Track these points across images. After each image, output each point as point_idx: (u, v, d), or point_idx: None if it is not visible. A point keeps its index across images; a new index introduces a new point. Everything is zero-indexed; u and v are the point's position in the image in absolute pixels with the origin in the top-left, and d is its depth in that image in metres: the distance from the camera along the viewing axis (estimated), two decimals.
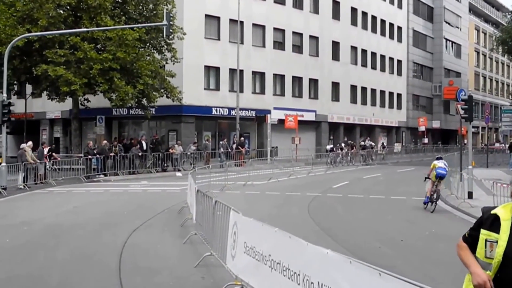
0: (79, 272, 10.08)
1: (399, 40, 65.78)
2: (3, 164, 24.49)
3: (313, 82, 51.81)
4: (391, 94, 63.99)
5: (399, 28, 65.81)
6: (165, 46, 35.64)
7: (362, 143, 50.74)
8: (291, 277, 6.34)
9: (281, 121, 44.83)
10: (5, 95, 26.55)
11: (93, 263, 10.75)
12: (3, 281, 9.28)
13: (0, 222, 15.63)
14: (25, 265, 10.55)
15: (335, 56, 54.47)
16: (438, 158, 19.29)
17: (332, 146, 46.30)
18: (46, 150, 29.47)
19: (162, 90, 35.75)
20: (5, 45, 28.89)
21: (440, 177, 18.40)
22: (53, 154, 30.67)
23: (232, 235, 8.58)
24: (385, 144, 51.91)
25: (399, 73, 65.78)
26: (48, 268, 10.34)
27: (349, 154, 44.29)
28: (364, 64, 58.94)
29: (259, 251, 7.42)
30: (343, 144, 45.67)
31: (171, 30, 31.09)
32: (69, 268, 10.39)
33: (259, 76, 46.76)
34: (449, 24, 75.23)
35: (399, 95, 65.61)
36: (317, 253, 5.88)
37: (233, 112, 41.67)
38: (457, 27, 77.82)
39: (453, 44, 76.97)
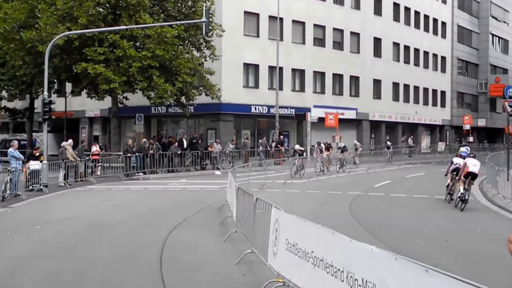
0: (120, 268, 10.11)
1: (443, 36, 64.24)
2: (44, 161, 24.64)
3: (354, 80, 51.00)
4: (434, 91, 62.55)
5: (443, 24, 64.26)
6: (204, 44, 35.47)
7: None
8: (335, 274, 6.30)
9: (321, 119, 44.23)
10: (46, 93, 26.72)
11: (135, 259, 10.76)
12: (47, 276, 9.38)
13: (42, 219, 15.79)
14: (68, 260, 10.66)
15: (377, 52, 53.50)
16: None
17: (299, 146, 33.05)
18: (96, 148, 29.85)
19: (201, 88, 35.59)
20: (46, 44, 29.09)
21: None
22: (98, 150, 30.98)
23: (273, 232, 8.56)
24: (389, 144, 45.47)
25: (443, 70, 64.24)
26: (90, 264, 10.39)
27: (318, 158, 33.02)
28: (406, 61, 57.75)
29: (301, 248, 7.36)
30: (322, 145, 34.51)
31: (210, 27, 30.84)
32: (110, 264, 10.42)
33: (298, 73, 46.25)
34: (495, 19, 73.11)
35: (443, 93, 64.08)
36: (362, 250, 5.79)
37: (272, 110, 41.33)
38: (505, 22, 75.54)
39: (500, 39, 74.78)
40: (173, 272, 9.69)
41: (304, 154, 30.80)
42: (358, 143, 41.18)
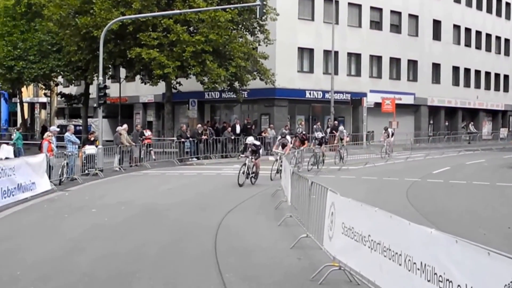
0: (175, 251, 10.19)
1: (507, 17, 61.64)
2: (100, 146, 24.86)
3: (412, 64, 49.65)
4: (497, 75, 60.28)
5: (508, 4, 61.61)
6: (258, 28, 35.08)
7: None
8: (392, 257, 6.28)
9: (378, 105, 43.27)
10: (101, 78, 26.95)
11: (189, 243, 10.81)
12: (103, 257, 9.63)
13: (98, 202, 16.03)
14: (123, 242, 10.83)
15: (436, 35, 51.86)
16: None
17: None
18: (148, 132, 30.09)
19: (254, 73, 35.26)
20: (100, 29, 29.29)
21: None
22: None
23: (329, 216, 8.52)
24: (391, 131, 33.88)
25: (507, 53, 61.74)
26: (146, 246, 10.50)
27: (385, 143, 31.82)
28: (467, 44, 55.79)
29: (358, 231, 7.33)
30: (390, 130, 32.58)
31: (264, 11, 30.41)
32: (166, 247, 10.51)
33: (354, 57, 45.35)
34: None
35: (506, 77, 61.65)
36: (420, 233, 5.73)
37: (327, 95, 40.73)
38: None
39: None
40: (227, 256, 9.68)
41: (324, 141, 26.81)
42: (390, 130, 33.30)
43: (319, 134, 27.02)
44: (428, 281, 5.44)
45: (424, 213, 13.96)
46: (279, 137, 23.82)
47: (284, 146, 22.46)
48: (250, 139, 21.03)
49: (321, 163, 25.34)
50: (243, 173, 19.27)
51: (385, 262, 6.46)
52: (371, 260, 6.84)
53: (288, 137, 23.29)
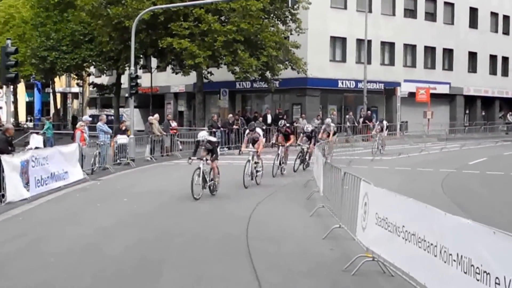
0: (205, 239, 10.21)
1: None
2: (131, 136, 24.94)
3: (447, 52, 48.65)
4: None
5: None
6: (290, 17, 34.74)
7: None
8: (427, 248, 6.17)
9: (412, 94, 42.56)
10: (132, 68, 27.01)
11: (220, 232, 10.81)
12: (133, 245, 9.77)
13: (129, 191, 16.14)
14: (154, 231, 10.92)
15: (473, 23, 50.68)
16: None
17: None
18: (174, 123, 30.06)
19: (286, 62, 34.97)
20: (132, 19, 29.35)
21: None
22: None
23: (362, 206, 8.43)
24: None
25: None
26: (176, 234, 10.58)
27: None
28: (506, 32, 54.32)
29: (392, 222, 7.25)
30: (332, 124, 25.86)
31: (295, 0, 30.08)
32: (195, 235, 10.57)
33: (388, 46, 44.61)
34: None
35: None
36: (457, 224, 5.61)
37: (360, 85, 40.19)
38: None
39: None
40: (259, 245, 9.65)
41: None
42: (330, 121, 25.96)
43: (308, 127, 21.02)
44: (465, 273, 5.32)
45: (460, 204, 13.66)
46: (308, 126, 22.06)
47: (309, 138, 20.84)
48: (203, 134, 15.39)
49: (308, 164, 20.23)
50: (196, 183, 14.24)
51: (419, 253, 6.34)
52: (406, 251, 6.75)
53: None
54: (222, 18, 32.94)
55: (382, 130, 29.18)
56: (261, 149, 17.64)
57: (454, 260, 5.54)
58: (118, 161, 23.13)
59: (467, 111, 51.46)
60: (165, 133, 27.50)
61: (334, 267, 8.24)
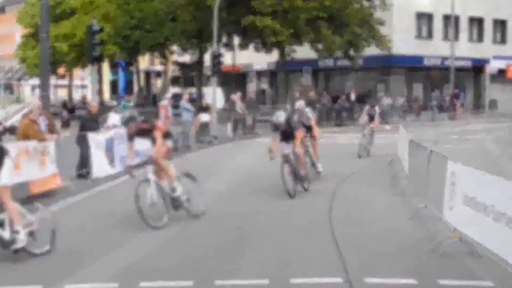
0: (286, 218, 10.19)
1: None
2: (214, 114, 25.22)
3: None
4: None
5: None
6: None
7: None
8: None
9: (502, 72, 40.80)
10: (215, 46, 27.22)
11: (302, 211, 10.75)
12: (215, 224, 9.79)
13: (212, 169, 16.12)
14: (236, 208, 11.05)
15: None
16: None
17: None
18: None
19: (370, 39, 34.26)
20: None
21: None
22: None
23: (449, 185, 8.19)
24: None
25: None
26: (258, 212, 10.67)
27: None
28: None
29: (480, 201, 6.99)
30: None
31: None
32: (279, 213, 10.58)
33: (476, 22, 42.90)
34: None
35: None
36: None
37: (446, 62, 38.98)
38: None
39: None
40: (342, 225, 9.53)
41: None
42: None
43: (280, 115, 12.53)
44: None
45: None
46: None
47: (372, 117, 18.80)
48: (279, 114, 12.37)
49: (306, 179, 12.74)
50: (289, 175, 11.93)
51: (509, 234, 6.15)
52: (494, 232, 6.53)
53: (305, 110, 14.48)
54: None
55: (372, 118, 19.09)
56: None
57: None
58: (201, 139, 23.49)
59: None
60: (246, 111, 27.64)
61: (420, 248, 8.03)
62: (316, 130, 14.49)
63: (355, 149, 18.72)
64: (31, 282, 6.77)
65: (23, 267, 7.38)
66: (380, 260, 7.59)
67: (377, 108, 19.71)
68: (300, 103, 14.94)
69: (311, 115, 14.73)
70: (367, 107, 19.66)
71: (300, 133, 12.50)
